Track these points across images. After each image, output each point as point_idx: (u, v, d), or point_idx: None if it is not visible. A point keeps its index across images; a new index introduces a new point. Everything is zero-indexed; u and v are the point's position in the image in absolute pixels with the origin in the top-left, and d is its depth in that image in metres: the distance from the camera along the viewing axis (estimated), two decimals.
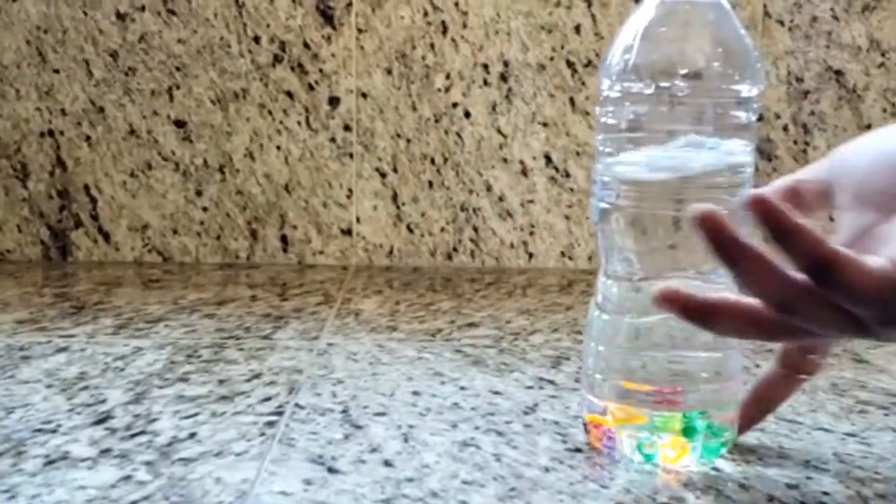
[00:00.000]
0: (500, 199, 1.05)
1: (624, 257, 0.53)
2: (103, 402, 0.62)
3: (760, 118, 1.04)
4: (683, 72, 0.50)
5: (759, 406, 0.56)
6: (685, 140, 0.51)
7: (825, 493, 0.50)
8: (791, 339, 0.49)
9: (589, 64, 1.03)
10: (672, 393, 0.53)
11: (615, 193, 0.53)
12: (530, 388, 0.66)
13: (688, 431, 0.53)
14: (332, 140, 1.04)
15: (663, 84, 0.51)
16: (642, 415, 0.53)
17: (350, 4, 1.02)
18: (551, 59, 1.03)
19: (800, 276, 0.42)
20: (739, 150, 0.52)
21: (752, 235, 0.43)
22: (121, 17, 1.02)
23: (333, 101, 1.04)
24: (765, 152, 1.05)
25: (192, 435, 0.57)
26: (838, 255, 0.42)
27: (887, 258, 0.43)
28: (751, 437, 0.57)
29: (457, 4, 1.02)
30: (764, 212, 0.42)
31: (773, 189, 0.54)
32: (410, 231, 1.06)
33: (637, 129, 0.52)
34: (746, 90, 0.51)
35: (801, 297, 0.42)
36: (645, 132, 0.52)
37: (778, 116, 1.04)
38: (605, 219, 0.53)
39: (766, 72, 0.53)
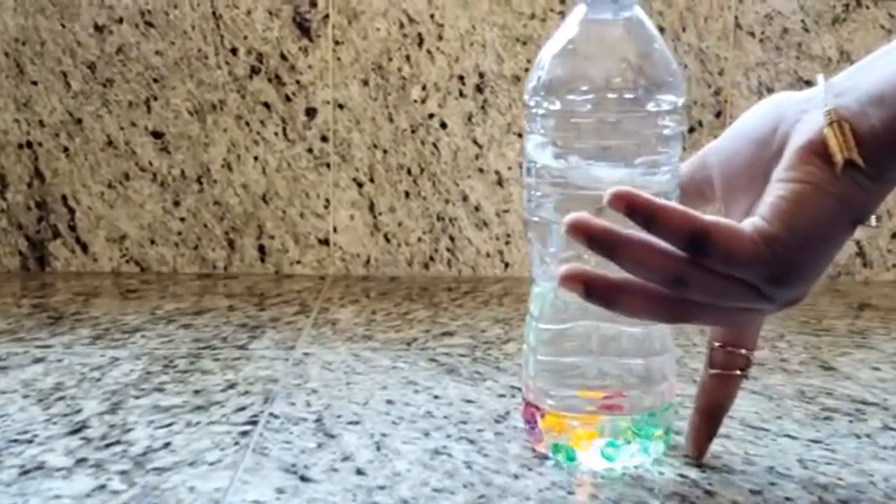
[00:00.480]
0: (477, 208, 1.06)
1: (551, 266, 0.54)
2: (79, 412, 0.63)
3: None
4: (587, 87, 0.52)
5: (707, 417, 0.56)
6: (612, 154, 0.52)
7: (788, 500, 0.52)
8: (698, 318, 0.49)
9: None
10: (613, 398, 0.54)
11: (540, 204, 0.54)
12: (502, 396, 0.67)
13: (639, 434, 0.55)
14: (310, 150, 1.05)
15: (570, 98, 0.52)
16: (577, 420, 0.55)
17: (327, 17, 1.03)
18: (526, 70, 1.04)
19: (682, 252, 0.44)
20: (659, 165, 0.53)
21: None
22: (98, 29, 1.02)
23: (310, 112, 1.05)
24: None
25: (167, 444, 0.58)
26: (707, 224, 0.44)
27: (758, 216, 0.45)
28: (716, 444, 0.58)
29: (432, 17, 1.03)
30: (626, 204, 0.44)
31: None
32: (387, 240, 1.07)
33: (558, 143, 0.53)
34: (659, 104, 0.52)
35: (689, 269, 0.44)
36: (565, 146, 0.53)
37: None
38: (532, 229, 0.55)
39: (686, 84, 0.54)
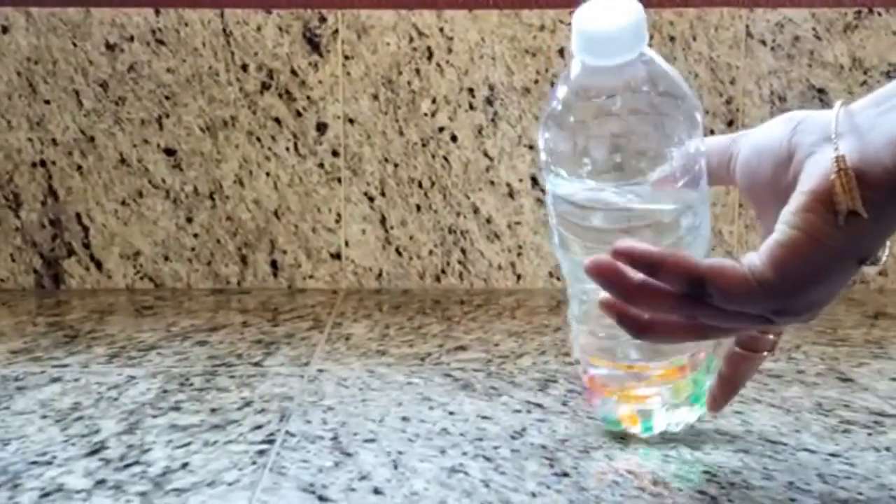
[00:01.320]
0: (488, 221, 1.07)
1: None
2: (97, 432, 0.63)
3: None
4: (593, 159, 0.52)
5: (729, 384, 0.60)
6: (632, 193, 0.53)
7: None
8: (721, 337, 0.54)
9: None
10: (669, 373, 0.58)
11: (563, 226, 0.56)
12: (518, 411, 0.67)
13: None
14: (321, 165, 1.05)
15: (582, 163, 0.53)
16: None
17: (336, 32, 1.03)
18: (536, 82, 1.05)
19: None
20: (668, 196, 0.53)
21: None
22: (110, 47, 1.03)
23: (321, 127, 1.05)
24: None
25: (185, 465, 0.58)
26: (703, 270, 0.47)
27: (756, 255, 0.47)
28: (735, 459, 0.58)
29: (441, 30, 1.04)
30: (629, 259, 0.48)
31: None
32: (399, 254, 1.07)
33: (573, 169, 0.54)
34: (670, 153, 0.53)
35: (696, 306, 0.48)
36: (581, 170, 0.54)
37: None
38: (563, 244, 0.56)
39: (701, 114, 0.55)
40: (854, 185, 0.45)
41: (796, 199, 0.47)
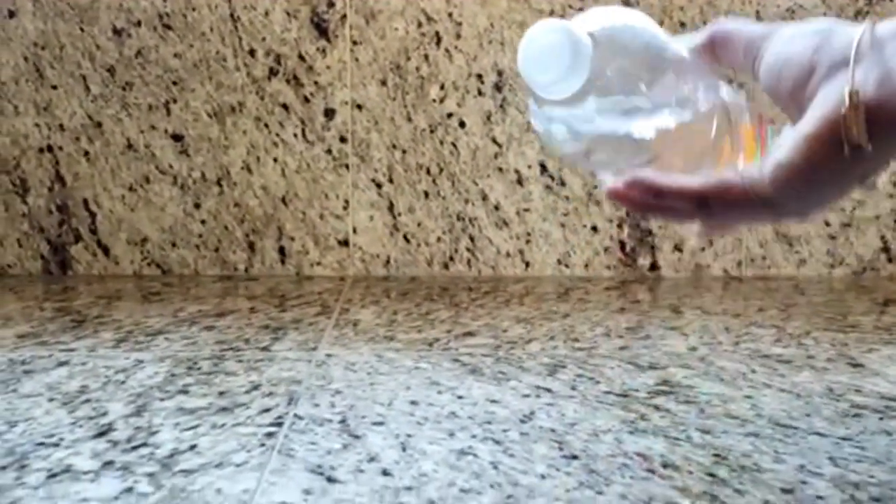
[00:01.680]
0: (496, 207, 1.06)
1: None
2: (105, 414, 0.63)
3: None
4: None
5: None
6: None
7: (820, 498, 0.51)
8: None
9: None
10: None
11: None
12: (527, 396, 0.67)
13: None
14: (328, 152, 1.05)
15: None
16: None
17: (344, 17, 1.03)
18: None
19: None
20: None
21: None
22: (117, 32, 1.02)
23: (329, 113, 1.04)
24: None
25: (193, 447, 0.57)
26: (705, 192, 0.51)
27: (758, 169, 0.50)
28: (745, 442, 0.57)
29: (450, 15, 1.03)
30: (640, 189, 0.53)
31: (706, 35, 0.56)
32: (407, 241, 1.07)
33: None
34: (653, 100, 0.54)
35: (705, 217, 0.53)
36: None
37: (772, 122, 1.05)
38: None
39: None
40: (862, 119, 0.45)
41: (805, 124, 0.47)
